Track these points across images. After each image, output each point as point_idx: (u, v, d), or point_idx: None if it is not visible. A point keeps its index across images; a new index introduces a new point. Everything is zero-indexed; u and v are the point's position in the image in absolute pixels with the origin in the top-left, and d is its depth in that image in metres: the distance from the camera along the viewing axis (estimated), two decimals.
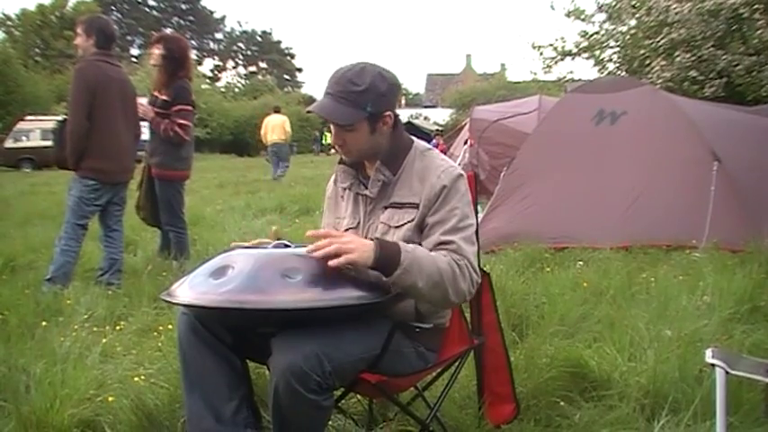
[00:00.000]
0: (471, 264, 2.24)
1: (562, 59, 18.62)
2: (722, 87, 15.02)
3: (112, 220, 5.36)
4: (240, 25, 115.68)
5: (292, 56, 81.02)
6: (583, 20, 18.30)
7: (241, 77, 72.44)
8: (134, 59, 52.83)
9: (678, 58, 15.01)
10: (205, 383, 2.24)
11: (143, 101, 5.66)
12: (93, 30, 5.13)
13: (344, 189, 2.54)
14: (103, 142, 5.06)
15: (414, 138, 2.49)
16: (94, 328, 4.09)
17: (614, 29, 17.68)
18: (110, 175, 5.16)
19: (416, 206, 2.32)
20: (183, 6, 72.65)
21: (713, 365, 2.14)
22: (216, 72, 73.42)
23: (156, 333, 4.00)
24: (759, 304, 4.31)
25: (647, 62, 16.06)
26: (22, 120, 27.93)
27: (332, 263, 2.02)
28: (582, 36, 18.32)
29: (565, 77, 18.84)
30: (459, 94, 46.54)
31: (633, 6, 16.41)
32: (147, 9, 70.20)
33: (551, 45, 18.56)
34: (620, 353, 3.36)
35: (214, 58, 75.57)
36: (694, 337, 3.53)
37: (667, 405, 2.77)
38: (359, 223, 2.45)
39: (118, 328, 4.19)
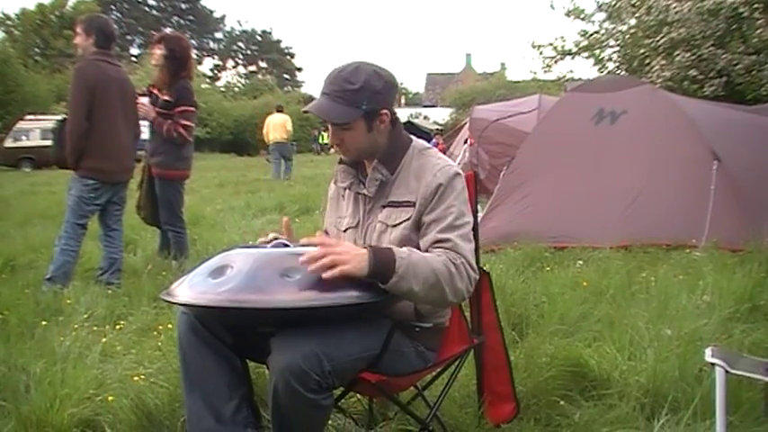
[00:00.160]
0: (468, 262, 2.24)
1: (562, 59, 18.62)
2: (722, 86, 15.02)
3: (112, 220, 5.36)
4: (240, 24, 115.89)
5: (292, 55, 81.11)
6: (582, 19, 18.30)
7: (241, 77, 72.51)
8: (134, 59, 52.82)
9: (678, 58, 15.02)
10: (205, 383, 2.24)
11: (144, 100, 5.66)
12: (93, 29, 5.13)
13: (344, 188, 2.54)
14: (103, 142, 5.05)
15: (412, 137, 2.49)
16: (94, 328, 4.09)
17: (614, 28, 17.68)
18: (109, 174, 5.16)
19: (413, 204, 2.32)
20: (183, 6, 72.66)
21: (713, 364, 2.14)
22: (216, 71, 73.56)
23: (155, 332, 4.00)
24: (759, 303, 4.32)
25: (647, 61, 16.07)
26: (22, 119, 27.93)
27: (326, 275, 2.01)
28: (582, 35, 18.32)
29: (564, 77, 18.85)
30: (458, 94, 46.57)
31: (633, 5, 16.41)
32: (146, 8, 70.21)
33: (551, 44, 18.57)
34: (619, 352, 3.36)
35: (214, 58, 75.70)
36: (694, 336, 3.53)
37: (667, 404, 2.77)
38: (358, 222, 2.45)
39: (118, 327, 4.19)
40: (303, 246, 2.16)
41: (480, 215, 6.21)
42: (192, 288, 2.07)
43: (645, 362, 3.21)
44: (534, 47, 18.81)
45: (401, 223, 2.32)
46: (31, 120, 27.20)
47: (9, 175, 22.61)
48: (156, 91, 5.75)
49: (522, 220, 6.82)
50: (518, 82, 39.47)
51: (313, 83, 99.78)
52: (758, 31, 14.29)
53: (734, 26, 15.13)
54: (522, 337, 3.75)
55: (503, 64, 72.32)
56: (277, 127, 17.36)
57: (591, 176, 7.01)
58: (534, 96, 12.71)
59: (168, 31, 8.06)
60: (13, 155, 26.09)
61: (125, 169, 5.33)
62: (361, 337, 2.16)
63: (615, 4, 17.04)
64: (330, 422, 2.62)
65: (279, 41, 79.86)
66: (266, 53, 77.19)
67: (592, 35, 18.09)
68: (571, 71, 19.57)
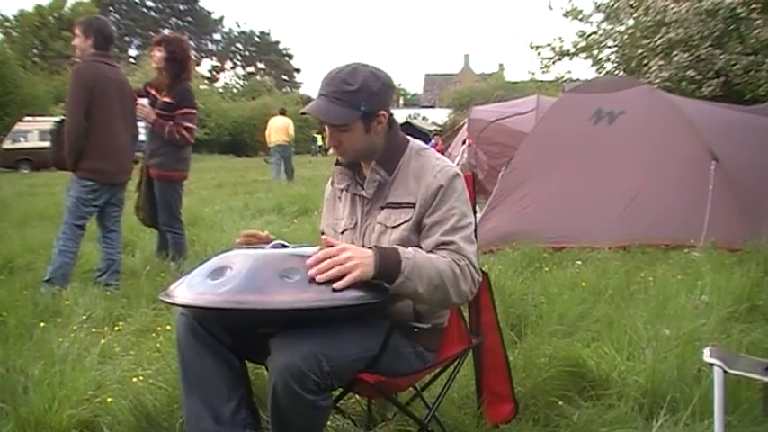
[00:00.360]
0: (472, 263, 2.24)
1: (560, 59, 18.65)
2: (720, 87, 15.05)
3: (110, 221, 5.35)
4: (238, 26, 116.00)
5: (290, 56, 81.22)
6: (581, 20, 18.34)
7: (239, 78, 72.58)
8: (132, 60, 52.84)
9: (676, 58, 15.04)
10: (204, 384, 2.23)
11: (144, 102, 5.65)
12: (92, 31, 5.12)
13: (341, 190, 2.54)
14: (102, 143, 5.05)
15: (409, 137, 2.49)
16: (93, 329, 4.09)
17: (612, 29, 17.70)
18: (108, 175, 5.15)
19: (413, 206, 2.32)
20: (182, 7, 72.64)
21: (711, 364, 2.13)
22: (214, 73, 73.54)
23: (154, 334, 4.00)
24: (757, 303, 4.32)
25: (645, 62, 16.09)
26: (20, 121, 27.90)
27: (336, 285, 2.01)
28: (580, 36, 18.36)
29: (563, 77, 18.86)
30: (457, 95, 46.60)
31: (631, 6, 16.44)
32: (145, 10, 70.20)
33: (549, 45, 18.59)
34: (618, 352, 3.36)
35: (212, 59, 75.68)
36: (692, 336, 3.53)
37: (666, 404, 2.78)
38: (356, 224, 2.45)
39: (116, 328, 4.18)
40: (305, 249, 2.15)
41: (479, 216, 6.20)
42: (191, 289, 2.07)
43: (643, 362, 3.21)
44: (532, 47, 18.85)
45: (401, 225, 2.32)
46: (29, 121, 27.18)
47: (7, 176, 22.60)
48: (153, 92, 5.75)
49: (521, 220, 6.82)
50: (516, 83, 39.54)
51: (311, 84, 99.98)
52: (756, 32, 14.31)
53: (732, 26, 15.16)
54: (521, 337, 3.75)
55: (501, 65, 72.62)
56: (279, 130, 17.45)
57: (589, 177, 7.02)
58: (532, 97, 12.73)
59: (167, 32, 8.05)
60: (11, 156, 26.07)
61: (123, 170, 5.32)
62: (360, 338, 2.16)
63: (613, 5, 17.08)
64: (329, 423, 2.62)
65: (277, 42, 80.00)
66: (264, 54, 77.20)
67: (590, 36, 18.13)
68: (569, 72, 19.60)
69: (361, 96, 2.27)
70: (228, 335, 2.25)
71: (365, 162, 2.43)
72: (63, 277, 5.03)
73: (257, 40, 78.71)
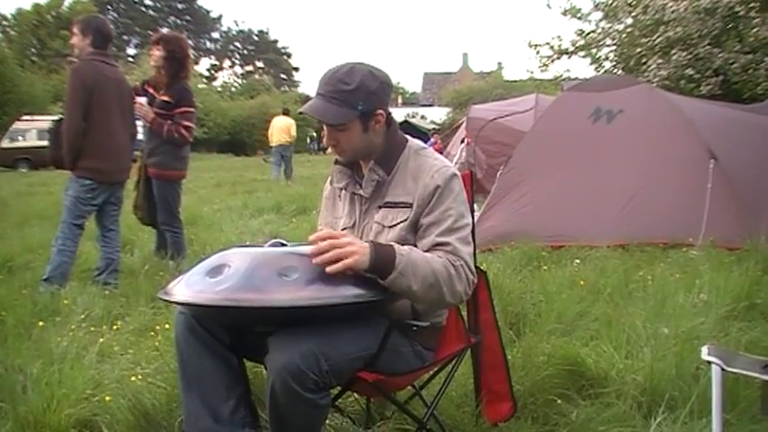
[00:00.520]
0: (467, 264, 2.24)
1: (559, 58, 18.63)
2: (718, 85, 15.05)
3: (109, 220, 5.35)
4: (237, 24, 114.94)
5: (289, 55, 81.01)
6: (579, 18, 18.33)
7: (238, 77, 72.48)
8: (130, 59, 52.78)
9: (674, 57, 15.04)
10: (202, 383, 2.24)
11: (142, 100, 5.65)
12: (90, 29, 5.12)
13: (340, 189, 2.54)
14: (100, 142, 5.05)
15: (408, 137, 2.49)
16: (91, 328, 4.09)
17: (611, 27, 17.70)
18: (106, 174, 5.15)
19: (410, 206, 2.32)
20: (180, 6, 72.54)
21: (709, 363, 2.14)
22: (212, 71, 73.41)
23: (153, 333, 3.99)
24: (756, 302, 4.33)
25: (644, 60, 16.08)
26: (19, 120, 27.88)
27: (329, 269, 2.02)
28: (578, 34, 18.34)
29: (561, 76, 18.87)
30: (455, 93, 46.56)
31: (629, 5, 16.44)
32: (143, 8, 70.07)
33: (548, 44, 18.57)
34: (617, 351, 3.36)
35: (211, 58, 75.60)
36: (691, 334, 3.53)
37: (664, 402, 2.78)
38: (354, 223, 2.45)
39: (115, 327, 4.18)
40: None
41: (477, 214, 6.21)
42: (189, 287, 2.07)
43: (642, 360, 3.22)
44: (531, 46, 18.83)
45: (398, 224, 2.32)
46: (27, 120, 27.14)
47: (6, 175, 22.58)
48: (152, 90, 5.74)
49: (520, 219, 6.82)
50: (515, 81, 39.50)
51: (310, 83, 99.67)
52: (754, 30, 14.31)
53: (730, 25, 15.16)
54: (520, 336, 3.75)
55: (500, 63, 72.65)
56: (281, 129, 17.55)
57: (588, 176, 7.02)
58: (531, 96, 12.73)
59: (166, 31, 8.05)
60: (9, 155, 26.05)
61: (122, 169, 5.32)
62: (359, 337, 2.16)
63: (612, 4, 17.07)
64: (328, 421, 2.62)
65: (275, 41, 79.85)
66: (263, 53, 77.12)
67: (588, 34, 18.11)
68: (568, 70, 19.61)
69: (358, 96, 2.27)
70: (227, 334, 2.25)
71: (364, 161, 2.43)
72: (62, 276, 5.03)
73: (256, 38, 78.62)
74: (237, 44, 78.70)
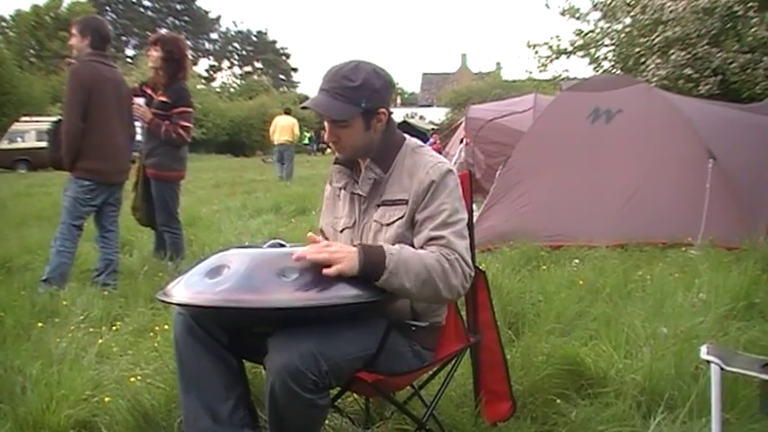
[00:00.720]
0: (463, 258, 2.24)
1: (557, 58, 18.67)
2: (717, 85, 15.07)
3: (108, 221, 5.35)
4: (235, 25, 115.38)
5: (288, 56, 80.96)
6: (578, 18, 18.37)
7: (236, 77, 72.26)
8: (129, 60, 52.74)
9: (673, 56, 15.06)
10: (201, 383, 2.23)
11: (140, 101, 5.65)
12: (89, 30, 5.12)
13: (340, 189, 2.55)
14: (99, 143, 5.05)
15: (406, 135, 2.49)
16: (90, 329, 4.09)
17: (609, 27, 17.73)
18: (105, 175, 5.15)
19: (406, 202, 2.32)
20: (178, 6, 72.49)
21: (708, 362, 2.14)
22: (211, 72, 73.35)
23: (152, 333, 3.99)
24: (754, 301, 4.33)
25: (643, 60, 16.10)
26: (17, 121, 27.84)
27: (326, 271, 2.03)
28: (577, 34, 18.37)
29: (560, 76, 18.90)
30: (454, 93, 46.62)
31: (628, 4, 16.46)
32: (141, 9, 70.03)
33: (546, 44, 18.62)
34: (616, 350, 3.36)
35: (209, 59, 75.51)
36: (690, 334, 3.53)
37: (663, 402, 2.78)
38: (354, 222, 2.45)
39: (114, 328, 4.18)
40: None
41: (476, 214, 6.21)
42: (188, 288, 2.07)
43: (641, 360, 3.22)
44: (530, 46, 18.88)
45: (395, 222, 2.33)
46: (26, 121, 27.10)
47: (4, 176, 22.54)
48: (150, 91, 5.74)
49: (519, 219, 6.82)
50: (514, 81, 39.54)
51: (309, 83, 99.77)
52: (753, 30, 14.32)
53: (729, 25, 15.18)
54: (519, 335, 3.75)
55: (498, 63, 72.63)
56: (284, 129, 17.64)
57: (587, 175, 7.02)
58: (530, 96, 12.71)
59: (164, 31, 8.06)
60: (8, 156, 25.99)
61: (121, 170, 5.32)
62: (358, 337, 2.16)
63: (610, 3, 17.09)
64: (327, 422, 2.63)
65: (274, 42, 79.76)
66: (262, 54, 77.08)
67: (587, 34, 18.14)
68: (566, 70, 19.63)
69: (362, 93, 2.27)
70: (226, 334, 2.25)
71: (362, 160, 2.43)
72: (61, 277, 5.03)
73: (254, 39, 78.57)
74: (236, 45, 78.67)
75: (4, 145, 26.61)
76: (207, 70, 72.62)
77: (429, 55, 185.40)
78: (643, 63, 16.01)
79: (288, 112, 18.58)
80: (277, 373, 1.97)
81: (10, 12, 62.37)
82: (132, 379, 3.15)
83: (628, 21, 16.88)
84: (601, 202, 6.77)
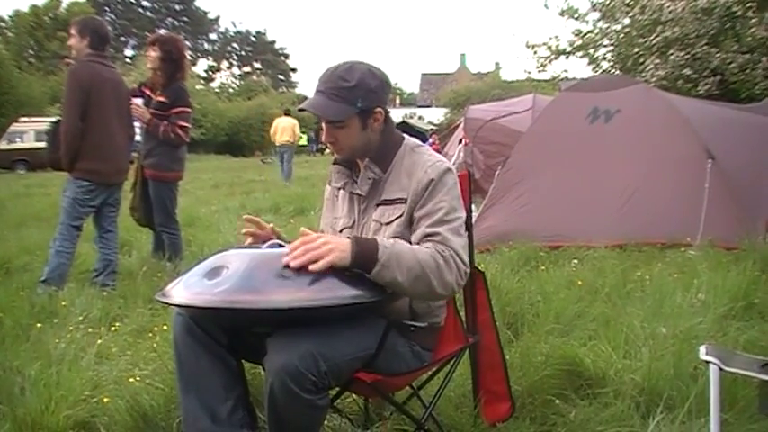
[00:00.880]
0: (458, 254, 2.23)
1: (556, 58, 18.68)
2: (716, 85, 15.08)
3: (107, 222, 5.35)
4: (234, 26, 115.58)
5: (286, 56, 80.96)
6: (576, 18, 18.38)
7: (235, 78, 72.37)
8: (128, 60, 52.71)
9: (672, 57, 15.07)
10: (200, 384, 2.23)
11: (138, 101, 5.65)
12: (87, 31, 5.12)
13: (339, 189, 2.55)
14: (98, 143, 5.05)
15: (405, 135, 2.49)
16: (89, 330, 4.08)
17: (608, 27, 17.75)
18: (104, 176, 5.15)
19: (404, 201, 2.33)
20: (177, 7, 72.44)
21: (707, 362, 2.14)
22: (210, 73, 73.28)
23: (151, 334, 3.99)
24: (753, 301, 4.33)
25: (641, 60, 16.12)
26: (16, 121, 27.83)
27: (312, 267, 2.02)
28: (576, 35, 18.39)
29: (559, 76, 18.92)
30: (453, 94, 46.63)
31: (627, 5, 16.48)
32: (140, 10, 69.99)
33: (545, 44, 18.64)
34: (615, 351, 3.37)
35: (208, 59, 75.45)
36: (689, 334, 3.54)
37: (662, 402, 2.78)
38: (354, 222, 2.45)
39: (113, 329, 4.18)
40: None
41: (475, 215, 6.21)
42: (187, 289, 2.07)
43: (640, 360, 3.22)
44: (528, 46, 18.90)
45: (394, 221, 2.33)
46: (25, 122, 27.09)
47: (3, 177, 22.53)
48: (148, 92, 5.74)
49: (517, 219, 6.83)
50: (512, 82, 39.64)
51: (308, 84, 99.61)
52: (752, 30, 14.33)
53: (727, 25, 15.19)
54: (518, 336, 3.75)
55: (497, 64, 72.64)
56: (285, 130, 17.75)
57: (586, 176, 7.02)
58: (529, 96, 12.72)
59: (163, 32, 8.04)
60: (7, 157, 26.00)
61: (120, 171, 5.32)
62: (357, 337, 2.16)
63: (609, 4, 17.10)
64: (326, 422, 2.63)
65: (273, 42, 79.77)
66: (260, 54, 77.07)
67: (586, 35, 18.16)
68: (565, 71, 19.68)
69: (357, 93, 2.28)
70: (225, 335, 2.25)
71: (361, 160, 2.43)
72: (60, 278, 5.03)
73: (253, 39, 78.56)
74: (235, 45, 78.66)
75: (3, 145, 26.62)
76: (206, 71, 72.66)
77: (428, 55, 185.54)
78: (642, 63, 16.02)
79: (287, 114, 18.67)
80: (276, 373, 1.97)
81: (8, 12, 62.49)
82: (131, 379, 3.15)
83: (626, 21, 16.90)
84: (600, 203, 6.77)
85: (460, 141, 12.36)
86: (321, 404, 2.06)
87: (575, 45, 18.32)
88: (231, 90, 60.84)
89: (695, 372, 3.04)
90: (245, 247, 2.31)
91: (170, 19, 71.76)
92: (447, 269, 2.18)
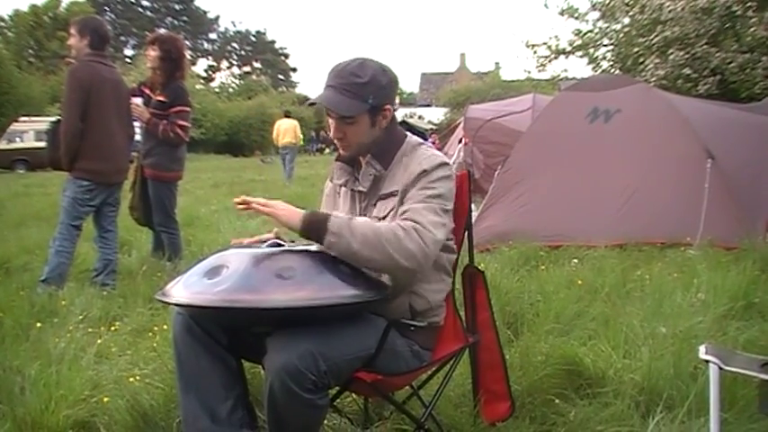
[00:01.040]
0: (423, 226, 2.19)
1: (556, 58, 18.67)
2: (716, 85, 15.07)
3: (107, 221, 5.35)
4: (234, 25, 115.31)
5: (286, 56, 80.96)
6: (576, 18, 18.37)
7: (235, 78, 72.27)
8: (128, 60, 52.70)
9: (672, 56, 15.06)
10: (200, 383, 2.24)
11: (138, 101, 5.64)
12: (87, 30, 5.12)
13: (340, 186, 2.55)
14: (98, 143, 5.05)
15: (408, 132, 2.49)
16: (89, 329, 4.08)
17: (608, 27, 17.74)
18: (104, 175, 5.15)
19: (398, 193, 2.33)
20: (177, 7, 72.44)
21: (707, 362, 2.14)
22: (210, 72, 73.28)
23: (151, 333, 3.99)
24: (753, 301, 4.33)
25: (641, 60, 16.11)
26: (16, 121, 27.81)
27: (256, 207, 2.19)
28: (576, 34, 18.37)
29: (559, 76, 18.91)
30: (453, 93, 46.66)
31: (627, 4, 16.46)
32: (140, 9, 69.98)
33: (545, 43, 18.62)
34: (614, 350, 3.36)
35: (208, 59, 75.45)
36: (689, 333, 3.54)
37: (662, 402, 2.78)
38: None
39: (113, 328, 4.18)
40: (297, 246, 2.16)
41: (475, 214, 6.21)
42: (187, 288, 2.07)
43: (640, 360, 3.22)
44: (528, 46, 18.87)
45: (388, 214, 2.33)
46: (24, 121, 27.08)
47: (3, 176, 22.51)
48: (147, 91, 5.74)
49: (517, 219, 6.83)
50: (512, 81, 39.58)
51: (307, 83, 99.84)
52: (752, 30, 14.32)
53: (727, 24, 15.18)
54: (518, 335, 3.75)
55: (497, 63, 72.71)
56: (287, 131, 17.89)
57: (585, 175, 7.02)
58: (528, 95, 12.73)
59: (162, 31, 8.04)
60: (7, 157, 25.99)
61: (119, 170, 5.32)
62: (357, 337, 2.16)
63: (609, 3, 17.09)
64: (326, 422, 2.63)
65: (273, 42, 79.77)
66: (260, 54, 77.06)
67: (586, 34, 18.15)
68: (565, 70, 19.69)
69: (369, 89, 2.28)
70: (225, 334, 2.25)
71: (364, 157, 2.43)
72: (59, 277, 5.02)
73: (253, 39, 78.55)
74: (235, 45, 78.66)
75: (3, 145, 26.59)
76: (206, 70, 72.67)
77: (428, 55, 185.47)
78: (642, 63, 16.01)
79: (288, 115, 18.81)
80: (276, 372, 1.97)
81: (8, 12, 62.43)
82: (131, 379, 3.15)
83: (626, 21, 16.89)
84: (599, 202, 6.77)
85: (460, 141, 12.35)
86: (321, 404, 2.06)
87: (574, 44, 18.32)
88: (231, 90, 60.77)
89: (695, 371, 3.04)
90: (245, 247, 2.31)
91: (170, 18, 71.76)
92: (408, 239, 2.15)
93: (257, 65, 77.56)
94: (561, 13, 18.41)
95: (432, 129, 35.22)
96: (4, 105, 32.68)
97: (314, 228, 2.12)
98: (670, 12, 14.71)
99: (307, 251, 2.16)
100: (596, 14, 18.09)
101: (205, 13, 75.38)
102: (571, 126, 7.49)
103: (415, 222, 2.20)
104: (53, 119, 5.53)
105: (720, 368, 2.11)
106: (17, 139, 26.64)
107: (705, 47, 14.92)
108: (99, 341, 3.82)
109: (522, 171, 7.31)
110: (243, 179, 18.38)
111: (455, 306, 2.61)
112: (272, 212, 2.15)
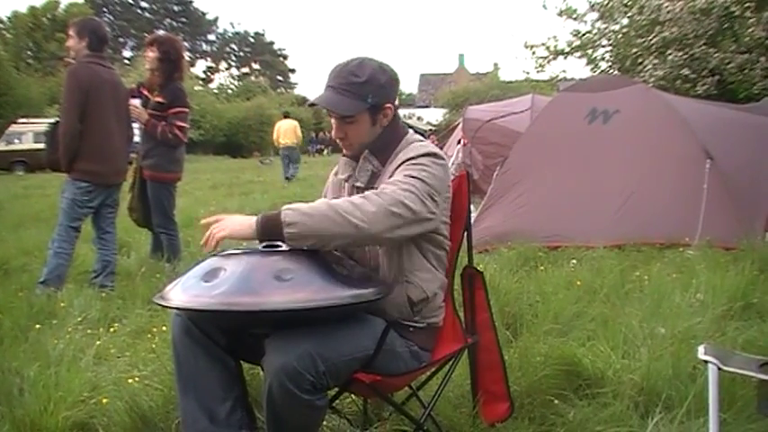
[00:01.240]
0: (386, 194, 2.16)
1: (554, 58, 18.68)
2: (714, 85, 15.08)
3: (105, 222, 5.35)
4: (233, 26, 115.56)
5: (285, 57, 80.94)
6: (575, 19, 18.38)
7: (234, 79, 72.23)
8: (126, 61, 52.65)
9: (670, 57, 15.07)
10: (199, 385, 2.24)
11: (136, 102, 5.64)
12: (86, 32, 5.12)
13: (344, 181, 2.56)
14: (97, 144, 5.04)
15: (410, 130, 2.50)
16: (88, 331, 4.08)
17: (606, 28, 17.74)
18: (103, 176, 5.14)
19: None
20: (176, 8, 72.42)
21: (706, 362, 2.14)
22: (209, 73, 73.25)
23: (149, 335, 3.99)
24: (752, 301, 4.33)
25: (640, 61, 16.11)
26: (15, 122, 27.78)
27: (218, 236, 2.12)
28: (574, 35, 18.39)
29: (557, 76, 18.91)
30: (452, 94, 46.60)
31: (625, 5, 16.48)
32: (139, 11, 69.96)
33: (544, 44, 18.64)
34: (613, 351, 3.37)
35: (207, 60, 75.43)
36: (688, 334, 3.54)
37: (661, 402, 2.78)
38: None
39: (112, 330, 4.18)
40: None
41: (474, 215, 6.21)
42: (185, 291, 2.07)
43: (639, 360, 3.22)
44: (527, 47, 18.90)
45: None
46: (23, 123, 27.04)
47: (2, 178, 22.49)
48: (146, 92, 5.74)
49: (516, 219, 6.83)
50: (511, 82, 39.58)
51: (306, 84, 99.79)
52: (750, 30, 14.34)
53: (726, 25, 15.19)
54: (517, 336, 3.75)
55: (496, 64, 72.67)
56: (287, 132, 18.03)
57: (584, 176, 7.02)
58: (527, 96, 12.71)
59: (161, 33, 8.05)
60: (5, 158, 25.95)
61: (118, 171, 5.32)
62: (356, 338, 2.16)
63: (607, 4, 17.10)
64: (325, 423, 2.63)
65: (272, 43, 79.81)
66: (259, 55, 77.05)
67: (584, 35, 18.16)
68: (564, 71, 19.65)
69: (368, 89, 2.29)
70: (223, 336, 2.25)
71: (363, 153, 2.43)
72: (58, 279, 5.02)
73: (252, 40, 78.56)
74: (234, 46, 78.63)
75: (2, 147, 26.53)
76: (204, 71, 72.62)
77: (426, 55, 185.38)
78: (640, 63, 16.02)
79: (287, 116, 18.86)
80: (275, 374, 1.97)
81: (7, 13, 62.39)
82: (130, 380, 3.15)
83: (625, 21, 16.91)
84: (598, 203, 6.77)
85: (459, 142, 12.34)
86: (320, 405, 2.06)
87: (573, 45, 18.33)
88: (230, 91, 60.72)
89: (694, 372, 3.04)
90: (243, 249, 2.31)
91: (168, 20, 71.72)
92: (367, 203, 2.12)
93: (256, 66, 77.55)
94: (560, 14, 18.43)
95: (430, 130, 35.26)
96: (2, 107, 32.66)
97: (270, 227, 2.09)
98: (668, 12, 14.72)
99: (306, 252, 2.15)
100: (595, 15, 18.12)
101: (204, 14, 75.43)
102: (570, 127, 7.50)
103: (378, 192, 2.17)
104: (52, 120, 5.54)
105: (719, 368, 2.11)
106: (16, 140, 26.59)
107: (703, 47, 14.94)
108: (98, 342, 3.81)
109: (521, 172, 7.31)
110: (242, 180, 18.38)
111: (454, 307, 2.61)
112: (227, 234, 2.11)
